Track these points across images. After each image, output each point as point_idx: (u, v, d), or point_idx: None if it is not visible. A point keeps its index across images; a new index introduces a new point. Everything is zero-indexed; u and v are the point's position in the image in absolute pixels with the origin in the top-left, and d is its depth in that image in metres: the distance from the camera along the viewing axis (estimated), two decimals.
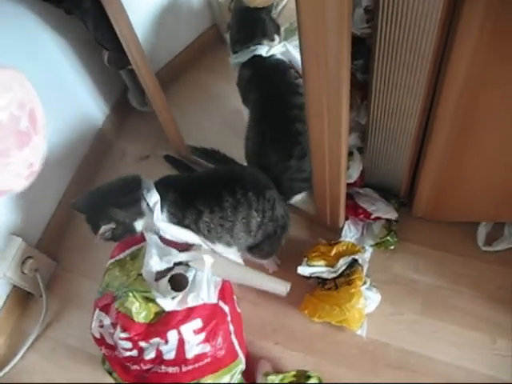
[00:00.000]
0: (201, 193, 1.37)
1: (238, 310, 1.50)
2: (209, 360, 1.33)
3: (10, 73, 0.67)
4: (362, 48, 1.25)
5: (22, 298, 1.83)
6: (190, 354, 1.30)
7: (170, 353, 1.30)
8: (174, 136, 1.90)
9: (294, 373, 1.50)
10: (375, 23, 1.12)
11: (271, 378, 1.47)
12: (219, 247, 1.43)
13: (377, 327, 1.58)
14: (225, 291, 1.43)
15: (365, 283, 1.56)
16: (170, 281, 1.27)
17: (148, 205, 1.29)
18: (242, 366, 1.46)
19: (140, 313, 1.27)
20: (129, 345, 1.28)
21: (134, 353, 1.30)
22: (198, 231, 1.37)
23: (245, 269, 1.45)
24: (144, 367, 1.32)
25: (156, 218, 1.28)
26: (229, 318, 1.40)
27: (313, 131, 1.27)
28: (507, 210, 1.55)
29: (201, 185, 1.43)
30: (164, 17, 2.03)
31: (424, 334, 1.56)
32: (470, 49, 1.03)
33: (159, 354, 1.29)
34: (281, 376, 1.48)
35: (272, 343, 1.60)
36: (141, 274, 1.32)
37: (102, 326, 1.34)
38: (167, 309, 1.28)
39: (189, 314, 1.29)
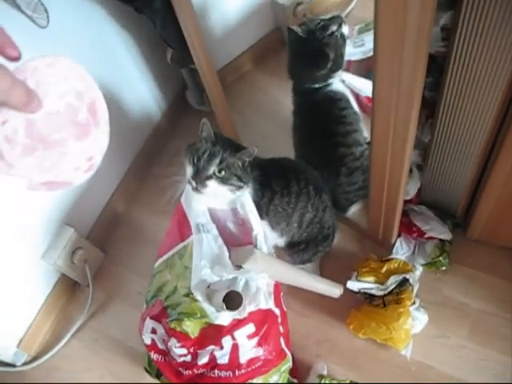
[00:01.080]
0: (276, 175, 1.44)
1: (285, 308, 1.48)
2: (260, 363, 1.32)
3: (66, 62, 0.67)
4: (433, 66, 1.23)
5: (69, 286, 1.88)
6: (244, 358, 1.30)
7: (223, 357, 1.29)
8: (231, 136, 1.90)
9: (348, 381, 1.50)
10: (451, 42, 1.09)
11: (325, 381, 1.49)
12: (273, 235, 1.49)
13: (421, 349, 1.54)
14: (276, 293, 1.41)
15: (414, 303, 1.53)
16: (224, 299, 1.25)
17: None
18: (289, 364, 1.45)
19: (195, 329, 1.27)
20: (183, 351, 1.28)
21: (188, 358, 1.30)
22: (266, 214, 1.43)
23: (297, 270, 1.44)
24: (197, 372, 1.32)
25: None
26: (279, 320, 1.39)
27: (376, 146, 1.25)
28: None
29: (275, 168, 1.48)
30: (228, 18, 2.04)
31: (469, 360, 1.51)
32: None
33: (213, 358, 1.29)
34: (335, 382, 1.49)
35: (314, 355, 1.59)
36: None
37: (154, 333, 1.34)
38: (224, 323, 1.27)
39: (242, 319, 1.28)
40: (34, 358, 1.77)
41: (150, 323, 1.34)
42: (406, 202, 1.61)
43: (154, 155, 2.14)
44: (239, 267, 1.28)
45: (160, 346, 1.35)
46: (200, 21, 1.52)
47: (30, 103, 0.59)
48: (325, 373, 1.54)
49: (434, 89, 1.28)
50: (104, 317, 1.82)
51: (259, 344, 1.31)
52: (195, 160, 1.27)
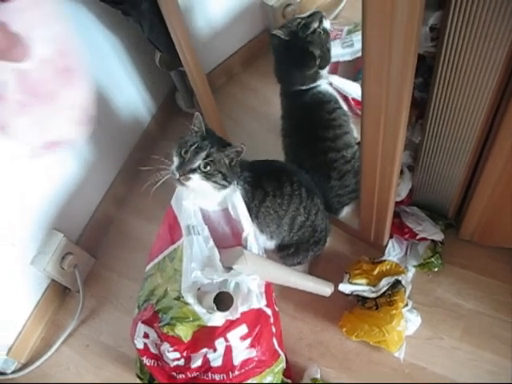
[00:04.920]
0: (268, 176, 1.44)
1: (277, 308, 1.47)
2: (254, 364, 1.31)
3: (50, 1, 0.58)
4: (423, 66, 1.22)
5: (59, 292, 1.86)
6: (237, 360, 1.29)
7: (217, 360, 1.28)
8: None
9: None
10: (440, 42, 1.09)
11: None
12: (262, 238, 1.48)
13: (414, 350, 1.54)
14: (267, 293, 1.40)
15: (406, 305, 1.53)
16: (214, 301, 1.24)
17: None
18: (283, 365, 1.44)
19: (188, 333, 1.26)
20: (177, 355, 1.27)
21: (181, 362, 1.29)
22: (256, 217, 1.42)
23: (288, 269, 1.44)
24: (190, 375, 1.31)
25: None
26: (271, 321, 1.38)
27: (366, 147, 1.25)
28: None
29: (267, 169, 1.48)
30: (216, 20, 2.03)
31: (462, 361, 1.51)
32: None
33: (206, 361, 1.28)
34: None
35: (307, 358, 1.58)
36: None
37: (146, 337, 1.33)
38: (218, 324, 1.26)
39: (234, 320, 1.27)
40: (25, 366, 1.75)
41: (142, 328, 1.32)
42: (397, 203, 1.61)
43: (143, 158, 2.13)
44: (229, 269, 1.27)
45: (153, 350, 1.34)
46: (188, 23, 1.52)
47: (12, 49, 0.50)
48: (318, 376, 1.53)
49: (423, 89, 1.29)
50: (95, 322, 1.80)
51: (252, 345, 1.30)
52: (182, 152, 1.28)
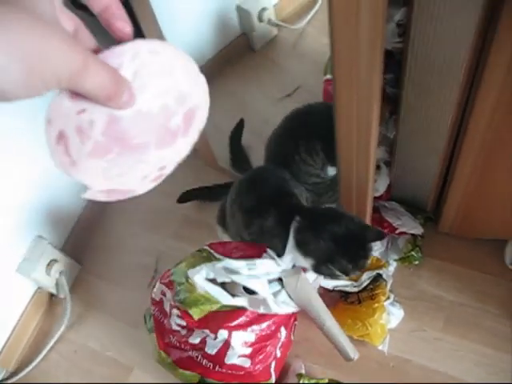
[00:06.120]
0: None
1: (292, 337, 1.49)
2: (242, 373, 1.32)
3: (173, 51, 0.54)
4: (393, 62, 1.25)
5: (45, 299, 1.86)
6: (229, 360, 1.30)
7: (212, 348, 1.29)
8: (201, 144, 1.90)
9: (326, 381, 1.50)
10: (407, 37, 1.11)
11: (303, 380, 1.49)
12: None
13: (398, 343, 1.56)
14: (291, 319, 1.44)
15: (388, 298, 1.55)
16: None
17: None
18: None
19: (201, 314, 1.27)
20: (182, 323, 1.29)
21: (183, 331, 1.31)
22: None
23: (329, 314, 1.38)
24: (183, 347, 1.32)
25: None
26: (279, 344, 1.40)
27: (341, 143, 1.26)
28: None
29: None
30: (193, 25, 2.05)
31: (446, 352, 1.53)
32: (507, 59, 1.01)
33: (203, 343, 1.29)
34: (314, 381, 1.49)
35: (293, 355, 1.59)
36: None
37: (164, 295, 1.35)
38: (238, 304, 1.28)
39: (249, 324, 1.29)
40: (13, 373, 1.75)
41: (160, 287, 1.37)
42: (376, 198, 1.63)
43: None
44: (280, 279, 1.30)
45: (165, 306, 1.37)
46: (164, 30, 1.52)
47: (118, 97, 0.47)
48: (303, 371, 1.54)
49: (395, 85, 1.31)
50: (82, 328, 1.81)
51: (250, 356, 1.31)
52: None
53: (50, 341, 1.77)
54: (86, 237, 1.99)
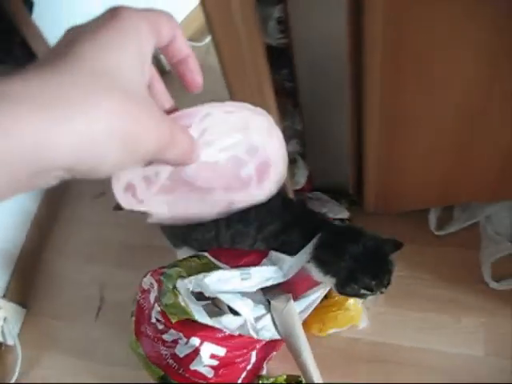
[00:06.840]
0: None
1: (265, 366, 1.51)
2: (203, 383, 1.33)
3: (248, 112, 0.55)
4: (284, 58, 1.30)
5: None
6: (194, 366, 1.30)
7: (181, 351, 1.29)
8: None
9: (284, 377, 1.51)
10: (288, 33, 1.17)
11: (262, 381, 1.49)
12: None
13: None
14: (268, 348, 1.44)
15: None
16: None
17: None
18: None
19: (176, 319, 1.28)
20: (160, 319, 1.30)
21: (160, 326, 1.31)
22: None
23: (308, 349, 1.36)
24: (156, 341, 1.33)
25: None
26: (249, 367, 1.40)
27: None
28: (452, 194, 1.59)
29: None
30: None
31: (390, 324, 1.59)
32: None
33: (175, 343, 1.30)
34: (272, 379, 1.50)
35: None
36: None
37: (152, 287, 1.36)
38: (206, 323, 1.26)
39: (223, 339, 1.29)
40: None
41: (150, 279, 1.37)
42: (298, 191, 1.68)
43: (56, 201, 2.13)
44: (268, 301, 1.30)
45: (150, 297, 1.37)
46: None
47: (187, 159, 0.47)
48: (264, 373, 1.55)
49: (291, 79, 1.36)
50: (37, 372, 1.78)
51: (215, 368, 1.31)
52: None
53: None
54: (26, 278, 1.96)
